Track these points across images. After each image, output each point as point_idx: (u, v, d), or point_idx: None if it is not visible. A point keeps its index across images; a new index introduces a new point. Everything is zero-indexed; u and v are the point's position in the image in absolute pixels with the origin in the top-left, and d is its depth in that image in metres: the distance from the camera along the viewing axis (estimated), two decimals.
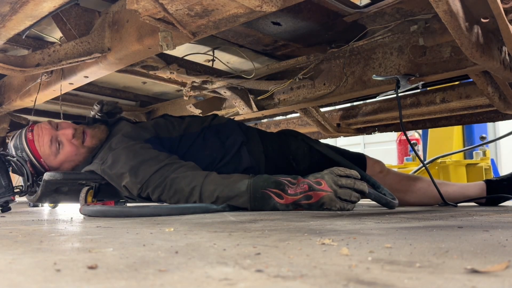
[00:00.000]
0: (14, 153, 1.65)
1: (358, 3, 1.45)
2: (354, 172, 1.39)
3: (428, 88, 2.14)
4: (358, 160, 1.85)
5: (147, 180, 1.48)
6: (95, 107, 2.00)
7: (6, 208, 1.67)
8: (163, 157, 1.53)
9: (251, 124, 3.01)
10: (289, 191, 1.37)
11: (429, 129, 3.84)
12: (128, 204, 1.84)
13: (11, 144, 1.68)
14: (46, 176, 1.54)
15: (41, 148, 1.63)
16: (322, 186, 1.35)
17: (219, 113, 2.38)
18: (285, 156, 1.84)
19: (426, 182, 1.86)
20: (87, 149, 1.67)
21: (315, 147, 1.84)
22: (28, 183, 1.60)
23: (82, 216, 1.45)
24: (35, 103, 1.89)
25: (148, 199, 1.54)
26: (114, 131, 1.72)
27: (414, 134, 4.38)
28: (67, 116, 2.79)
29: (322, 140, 2.32)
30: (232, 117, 2.19)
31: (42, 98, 1.89)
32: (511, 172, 1.96)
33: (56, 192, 1.61)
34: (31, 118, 2.19)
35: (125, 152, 1.54)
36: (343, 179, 1.35)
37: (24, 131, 1.67)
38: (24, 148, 1.63)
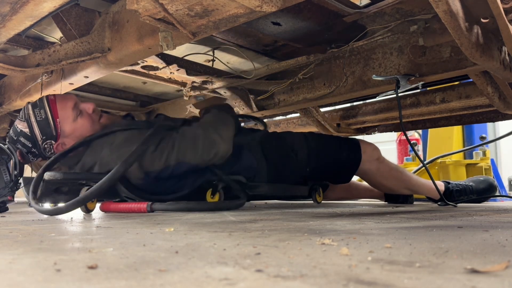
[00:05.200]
0: (31, 111, 1.61)
1: (358, 3, 1.45)
2: None
3: (428, 88, 2.14)
4: (353, 146, 1.93)
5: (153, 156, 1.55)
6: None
7: (3, 208, 1.66)
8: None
9: (251, 124, 3.01)
10: None
11: (429, 129, 3.83)
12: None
13: (28, 105, 1.64)
14: (46, 176, 1.53)
15: (62, 110, 1.63)
16: None
17: None
18: (283, 150, 1.88)
19: (407, 174, 2.05)
20: (100, 127, 1.70)
21: (308, 135, 1.96)
22: (15, 172, 1.60)
23: (82, 216, 1.45)
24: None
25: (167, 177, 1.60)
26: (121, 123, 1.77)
27: (414, 134, 4.37)
28: None
29: None
30: None
31: None
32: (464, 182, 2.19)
33: (56, 192, 1.61)
34: None
35: (125, 140, 1.58)
36: None
37: (46, 95, 1.67)
38: (44, 105, 1.61)
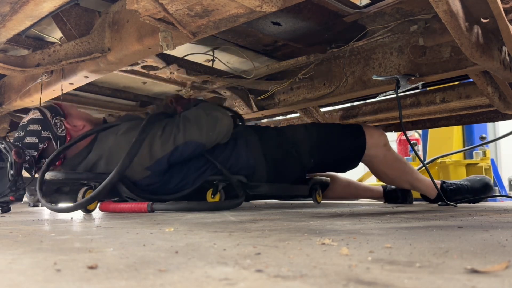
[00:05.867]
0: (46, 110, 1.72)
1: (358, 3, 1.45)
2: None
3: (428, 88, 2.14)
4: (356, 131, 1.91)
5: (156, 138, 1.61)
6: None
7: (6, 209, 1.66)
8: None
9: (251, 124, 3.01)
10: None
11: (429, 129, 3.83)
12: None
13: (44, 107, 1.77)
14: (48, 176, 1.53)
15: (63, 103, 1.81)
16: None
17: None
18: (284, 148, 1.86)
19: (410, 167, 2.04)
20: (99, 121, 1.84)
21: (309, 126, 1.96)
22: (11, 172, 1.61)
23: (82, 216, 1.45)
24: (40, 102, 1.89)
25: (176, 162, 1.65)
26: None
27: (414, 134, 4.37)
28: None
29: None
30: None
31: (42, 98, 1.89)
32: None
33: (57, 192, 1.61)
34: None
35: (130, 128, 1.65)
36: None
37: None
38: (52, 105, 1.75)
